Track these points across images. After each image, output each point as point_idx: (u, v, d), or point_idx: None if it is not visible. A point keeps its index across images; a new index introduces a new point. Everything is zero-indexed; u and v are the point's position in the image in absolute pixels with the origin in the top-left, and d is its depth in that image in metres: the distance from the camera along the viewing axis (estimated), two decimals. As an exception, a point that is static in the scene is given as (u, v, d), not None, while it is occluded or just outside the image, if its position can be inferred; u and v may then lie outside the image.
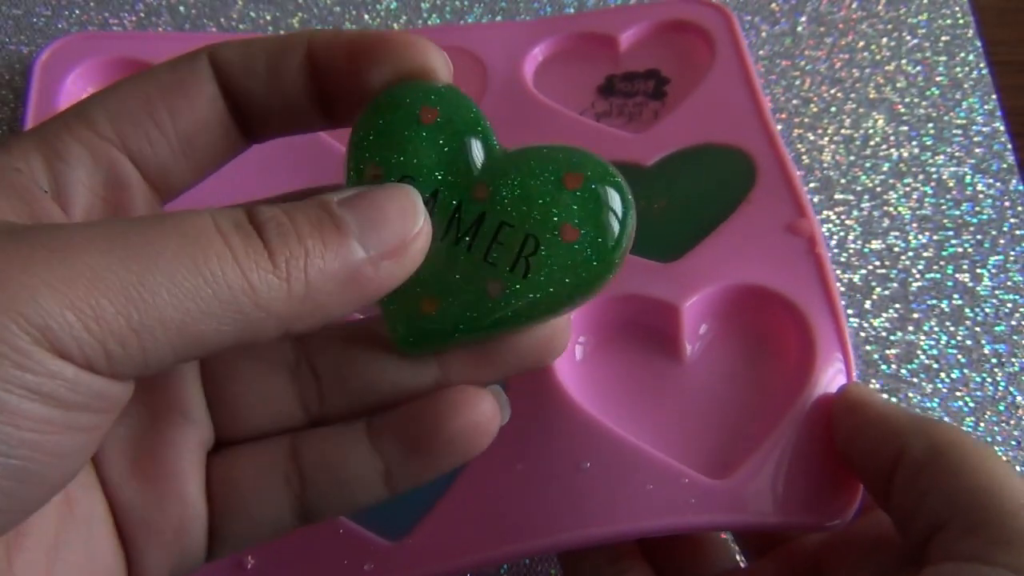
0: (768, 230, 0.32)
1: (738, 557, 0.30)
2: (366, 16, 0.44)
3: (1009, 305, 0.37)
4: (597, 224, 0.20)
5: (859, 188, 0.40)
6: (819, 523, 0.27)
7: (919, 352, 0.36)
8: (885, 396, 0.35)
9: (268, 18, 0.43)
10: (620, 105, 0.38)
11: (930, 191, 0.40)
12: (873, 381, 0.35)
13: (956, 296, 0.37)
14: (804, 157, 0.40)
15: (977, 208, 0.39)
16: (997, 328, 0.36)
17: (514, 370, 0.22)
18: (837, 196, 0.39)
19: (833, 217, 0.39)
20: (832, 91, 0.42)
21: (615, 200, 0.20)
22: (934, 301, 0.37)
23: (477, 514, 0.27)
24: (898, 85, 0.42)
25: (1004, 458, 0.34)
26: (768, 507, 0.27)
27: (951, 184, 0.40)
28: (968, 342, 0.36)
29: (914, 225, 0.39)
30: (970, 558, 0.21)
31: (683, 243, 0.32)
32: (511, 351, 0.21)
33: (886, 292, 0.37)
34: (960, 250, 0.38)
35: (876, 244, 0.38)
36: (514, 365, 0.21)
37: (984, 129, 0.41)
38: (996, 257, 0.38)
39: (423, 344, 0.21)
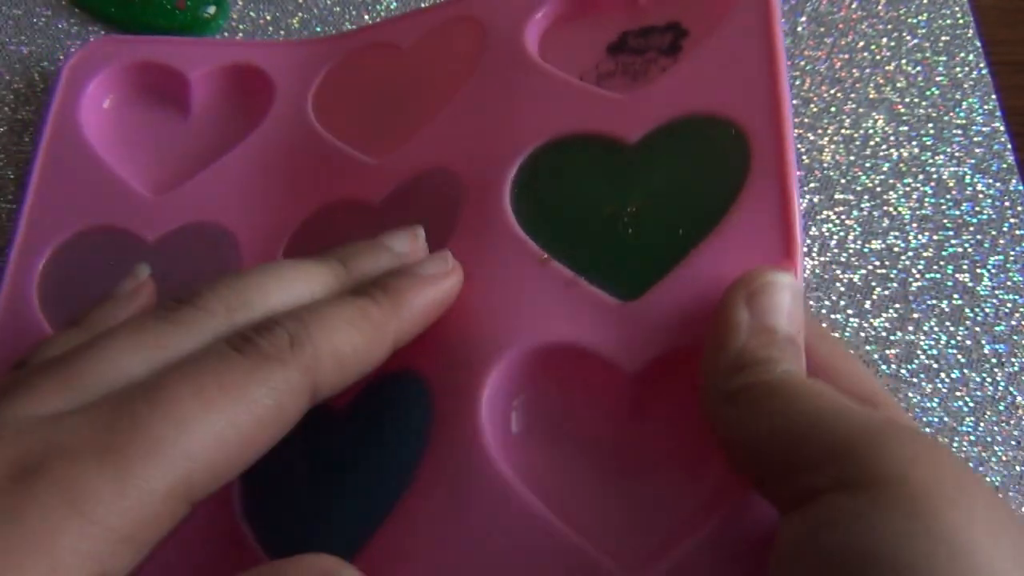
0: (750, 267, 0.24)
1: None
2: (366, 16, 0.44)
3: (1009, 305, 0.37)
4: None
5: (859, 188, 0.40)
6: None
7: (919, 352, 0.36)
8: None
9: (268, 18, 0.43)
10: (627, 63, 0.33)
11: (930, 191, 0.40)
12: (873, 381, 0.35)
13: (956, 296, 0.37)
14: (804, 157, 0.40)
15: (977, 208, 0.39)
16: (997, 328, 0.36)
17: None
18: (837, 196, 0.39)
19: (833, 217, 0.39)
20: (832, 91, 0.42)
21: None
22: (934, 301, 0.37)
23: None
24: (898, 85, 0.42)
25: (1002, 457, 0.34)
26: None
27: (951, 184, 0.40)
28: (968, 342, 0.36)
29: (914, 225, 0.39)
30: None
31: (649, 269, 0.26)
32: None
33: (886, 292, 0.37)
34: (960, 250, 0.38)
35: (876, 244, 0.38)
36: None
37: (984, 129, 0.41)
38: (996, 257, 0.38)
39: None
